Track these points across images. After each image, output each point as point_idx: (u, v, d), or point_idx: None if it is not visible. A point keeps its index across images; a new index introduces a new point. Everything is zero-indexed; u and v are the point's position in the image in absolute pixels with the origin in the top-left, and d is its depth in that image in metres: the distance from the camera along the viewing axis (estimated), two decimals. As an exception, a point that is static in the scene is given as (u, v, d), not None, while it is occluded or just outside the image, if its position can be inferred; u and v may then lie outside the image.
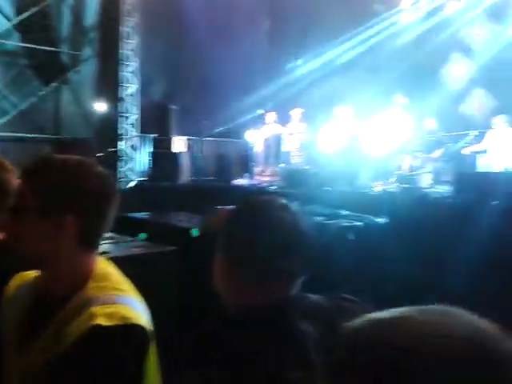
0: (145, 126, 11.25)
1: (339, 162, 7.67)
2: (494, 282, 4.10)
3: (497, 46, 10.53)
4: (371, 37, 11.11)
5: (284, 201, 1.21)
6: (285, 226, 1.13)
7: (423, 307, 0.57)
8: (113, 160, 10.30)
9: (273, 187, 7.56)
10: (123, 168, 10.95)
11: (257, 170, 9.38)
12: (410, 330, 0.53)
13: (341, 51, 10.72)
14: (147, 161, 11.03)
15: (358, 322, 0.57)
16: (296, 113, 9.21)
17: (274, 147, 9.26)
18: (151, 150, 10.84)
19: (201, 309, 3.03)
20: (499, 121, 7.70)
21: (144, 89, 11.18)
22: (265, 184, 8.17)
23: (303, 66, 11.15)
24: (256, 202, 1.24)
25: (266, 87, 9.94)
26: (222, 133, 10.05)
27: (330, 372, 0.56)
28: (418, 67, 11.01)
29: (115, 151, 10.82)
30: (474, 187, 4.80)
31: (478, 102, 11.29)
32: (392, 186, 6.92)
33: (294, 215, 1.16)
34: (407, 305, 0.59)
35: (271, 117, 9.30)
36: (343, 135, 8.42)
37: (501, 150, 7.48)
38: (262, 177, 9.04)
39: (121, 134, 11.02)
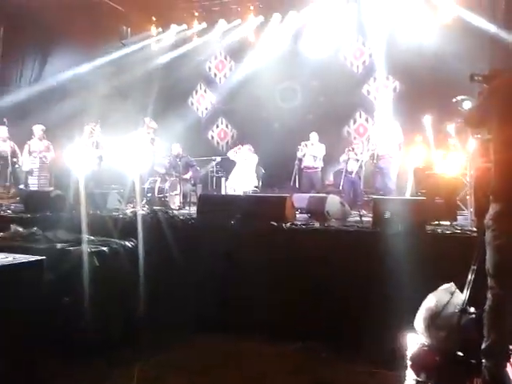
0: None
1: (87, 184, 7.29)
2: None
3: (235, 80, 11.87)
4: (121, 58, 11.13)
5: None
6: None
7: None
8: None
9: (9, 211, 6.68)
10: None
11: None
12: None
13: (88, 68, 10.34)
14: None
15: None
16: (37, 129, 8.45)
17: (7, 165, 8.27)
18: None
19: None
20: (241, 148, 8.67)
21: None
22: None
23: (46, 80, 10.29)
24: None
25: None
26: None
27: None
28: (168, 93, 11.50)
29: None
30: (215, 208, 5.19)
31: (221, 131, 12.45)
32: (143, 209, 6.93)
33: None
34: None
35: (2, 131, 8.28)
36: (91, 155, 8.10)
37: (241, 174, 8.38)
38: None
39: None
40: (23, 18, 9.01)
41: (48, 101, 9.07)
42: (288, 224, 5.11)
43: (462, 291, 2.76)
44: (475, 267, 2.65)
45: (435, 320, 2.60)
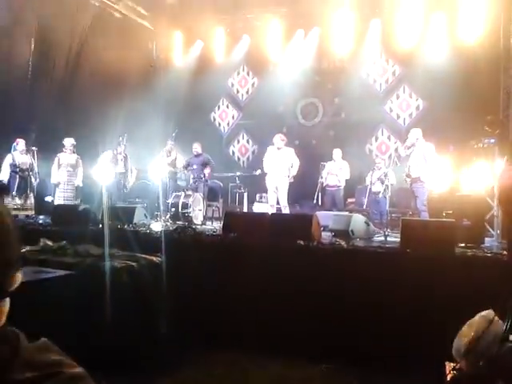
0: None
1: (113, 199, 7.42)
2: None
3: (257, 96, 11.96)
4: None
5: None
6: None
7: None
8: None
9: (36, 224, 6.79)
10: None
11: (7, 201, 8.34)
12: None
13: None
14: None
15: None
16: (68, 143, 8.62)
17: (25, 177, 8.42)
18: None
19: None
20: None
21: None
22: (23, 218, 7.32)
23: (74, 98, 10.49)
24: None
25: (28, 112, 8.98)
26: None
27: None
28: (191, 108, 11.64)
29: None
30: (241, 225, 5.22)
31: (242, 146, 12.52)
32: (167, 224, 7.00)
33: None
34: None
35: (21, 145, 8.41)
36: (118, 169, 8.26)
37: (275, 163, 8.43)
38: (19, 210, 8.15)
39: None
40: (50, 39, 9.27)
41: (75, 116, 9.24)
42: (315, 243, 5.11)
43: (500, 318, 2.71)
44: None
45: (474, 348, 2.56)
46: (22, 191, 8.27)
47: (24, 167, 8.33)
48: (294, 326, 4.38)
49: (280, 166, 8.30)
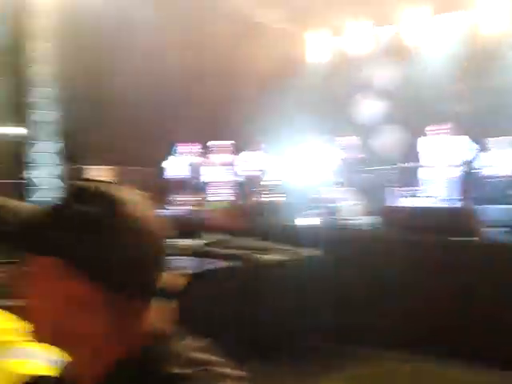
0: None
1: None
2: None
3: (403, 86, 11.39)
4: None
5: None
6: None
7: None
8: (19, 189, 9.54)
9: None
10: (33, 198, 10.08)
11: (179, 199, 9.17)
12: None
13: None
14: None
15: None
16: (224, 144, 9.24)
17: (195, 177, 9.23)
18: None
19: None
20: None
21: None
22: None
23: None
24: None
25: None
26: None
27: None
28: (330, 105, 11.58)
29: (22, 180, 9.98)
30: (401, 221, 5.03)
31: (390, 139, 12.02)
32: (318, 218, 7.05)
33: None
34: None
35: (193, 146, 9.29)
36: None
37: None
38: (182, 206, 8.82)
39: (30, 162, 10.17)
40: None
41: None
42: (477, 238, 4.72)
43: None
44: None
45: None
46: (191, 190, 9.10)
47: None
48: (467, 329, 4.12)
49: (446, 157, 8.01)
